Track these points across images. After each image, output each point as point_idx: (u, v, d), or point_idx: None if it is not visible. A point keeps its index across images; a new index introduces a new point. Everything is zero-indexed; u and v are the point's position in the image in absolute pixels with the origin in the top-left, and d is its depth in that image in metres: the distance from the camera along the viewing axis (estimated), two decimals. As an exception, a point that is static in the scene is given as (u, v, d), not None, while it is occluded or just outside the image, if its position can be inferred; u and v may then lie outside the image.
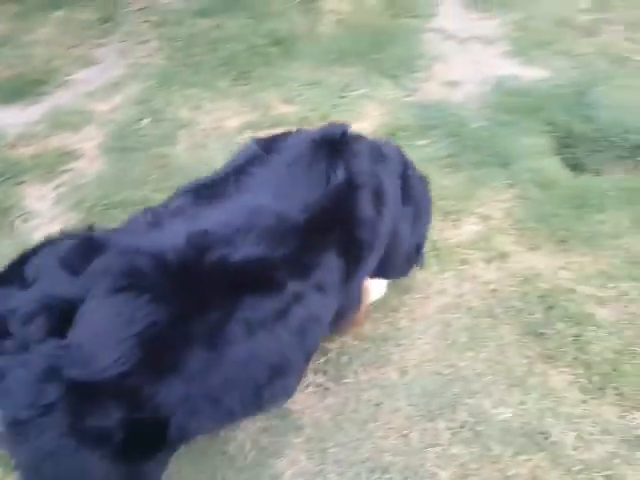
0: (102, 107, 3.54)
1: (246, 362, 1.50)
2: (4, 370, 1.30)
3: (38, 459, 1.36)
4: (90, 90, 3.67)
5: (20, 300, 1.36)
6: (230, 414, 1.60)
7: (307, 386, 2.17)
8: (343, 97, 3.54)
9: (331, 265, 1.68)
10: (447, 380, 2.18)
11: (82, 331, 1.33)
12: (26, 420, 1.29)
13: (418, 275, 2.55)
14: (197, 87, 3.63)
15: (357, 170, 1.80)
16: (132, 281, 1.38)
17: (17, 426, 1.32)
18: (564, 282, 2.50)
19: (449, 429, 2.05)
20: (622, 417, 2.07)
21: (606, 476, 1.93)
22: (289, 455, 2.01)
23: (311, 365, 2.19)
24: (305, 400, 2.13)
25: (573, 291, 2.46)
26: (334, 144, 1.83)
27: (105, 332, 1.34)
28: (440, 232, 2.71)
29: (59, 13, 4.37)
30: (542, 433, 2.02)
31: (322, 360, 2.22)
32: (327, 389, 2.17)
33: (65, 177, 3.10)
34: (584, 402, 2.11)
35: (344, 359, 2.24)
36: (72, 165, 3.16)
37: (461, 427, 2.05)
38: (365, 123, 3.29)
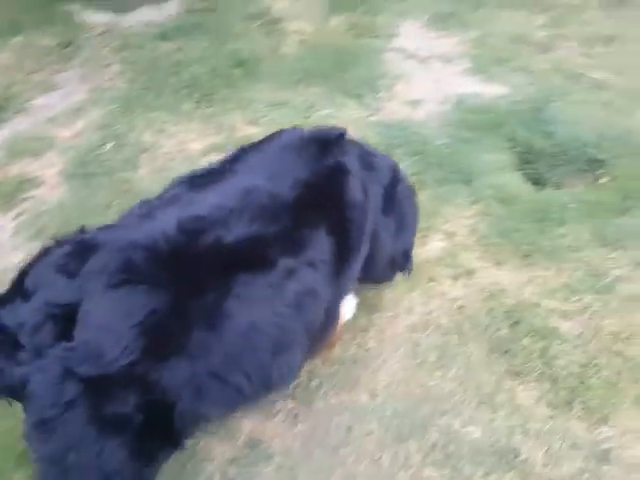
0: (63, 133, 3.47)
1: (246, 336, 1.54)
2: (26, 378, 1.40)
3: (63, 452, 1.44)
4: (51, 116, 3.60)
5: (25, 313, 1.44)
6: (238, 393, 1.61)
7: (276, 413, 2.13)
8: (308, 117, 3.54)
9: (322, 243, 1.73)
10: (417, 401, 2.17)
11: (87, 330, 1.41)
12: (51, 418, 1.39)
13: (386, 294, 2.55)
14: (160, 110, 3.59)
15: (347, 161, 1.91)
16: (127, 275, 1.44)
17: (44, 425, 1.41)
18: (529, 297, 2.52)
19: (420, 451, 2.03)
20: (589, 431, 2.08)
21: (576, 492, 1.93)
22: (259, 485, 1.97)
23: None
24: (274, 428, 2.10)
25: (538, 305, 2.47)
26: (327, 141, 1.93)
27: (108, 327, 1.41)
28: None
29: (18, 38, 4.29)
30: (512, 451, 2.02)
31: (291, 385, 2.19)
32: (297, 415, 2.14)
33: (25, 205, 3.02)
34: (552, 417, 2.11)
35: (314, 383, 2.21)
36: (33, 193, 3.09)
37: (432, 448, 2.04)
38: (330, 143, 3.28)
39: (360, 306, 2.43)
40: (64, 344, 1.40)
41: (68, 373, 1.38)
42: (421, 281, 2.60)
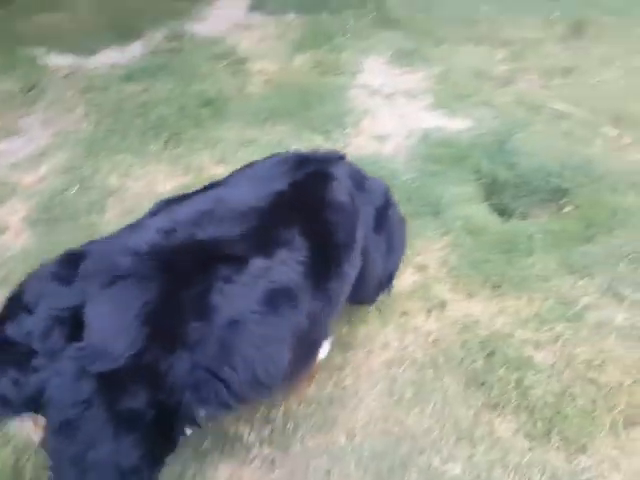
0: (27, 178, 3.44)
1: (231, 328, 1.61)
2: (42, 385, 1.46)
3: (84, 451, 1.49)
4: (14, 161, 3.57)
5: (32, 323, 1.50)
6: (227, 389, 1.64)
7: (253, 459, 2.09)
8: (276, 155, 3.57)
9: (296, 244, 1.77)
10: (396, 439, 2.16)
11: (92, 329, 1.48)
12: (74, 418, 1.45)
13: (360, 330, 2.55)
14: (126, 152, 3.59)
15: (333, 170, 2.03)
16: (116, 274, 1.54)
17: (67, 425, 1.47)
18: (501, 327, 2.55)
19: (400, 491, 2.01)
20: (568, 462, 2.09)
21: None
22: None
23: (256, 436, 2.14)
24: (251, 474, 2.06)
25: (511, 336, 2.50)
26: (320, 160, 2.08)
27: (111, 323, 1.49)
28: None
29: (-20, 83, 4.27)
30: (492, 486, 2.01)
31: (267, 430, 2.16)
32: (274, 461, 2.10)
33: (-11, 253, 2.97)
34: (530, 449, 2.12)
35: (290, 426, 2.18)
36: (-4, 240, 3.04)
37: (412, 488, 2.02)
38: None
39: (334, 344, 2.43)
40: (75, 345, 1.47)
41: (81, 372, 1.45)
42: (395, 315, 2.61)
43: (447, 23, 5.30)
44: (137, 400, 1.50)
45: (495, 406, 2.25)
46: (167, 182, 3.37)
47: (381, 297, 2.55)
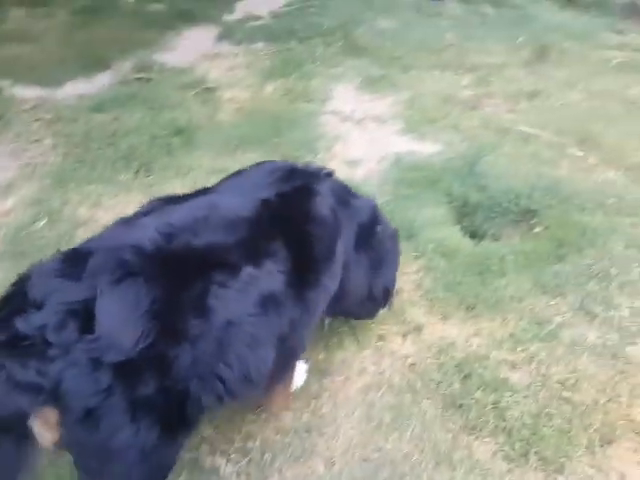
0: (-6, 211, 3.40)
1: (226, 329, 1.71)
2: (60, 376, 1.49)
3: (107, 439, 1.56)
4: (-20, 194, 3.52)
5: (44, 316, 1.51)
6: (223, 384, 1.74)
7: (230, 493, 2.07)
8: (247, 182, 3.58)
9: (280, 255, 1.88)
10: (375, 466, 2.15)
11: (104, 322, 1.53)
12: (96, 406, 1.51)
13: (337, 356, 2.55)
14: (96, 183, 3.57)
15: (317, 186, 2.13)
16: (124, 271, 1.60)
17: (90, 415, 1.51)
18: (477, 349, 2.57)
19: (381, 519, 2.00)
20: (545, 482, 2.10)
21: None
22: None
23: (233, 468, 2.12)
24: (229, 509, 2.03)
25: (487, 357, 2.53)
26: (307, 174, 2.18)
27: (122, 317, 1.56)
28: (346, 319, 2.72)
29: (-55, 116, 4.23)
30: (473, 511, 2.02)
31: (244, 462, 2.13)
32: (251, 494, 2.08)
33: (-46, 289, 2.90)
34: (509, 471, 2.13)
35: (267, 457, 2.16)
36: (-39, 275, 2.98)
37: (393, 515, 2.01)
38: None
39: (311, 371, 2.44)
40: (88, 337, 1.51)
41: (97, 363, 1.51)
42: (371, 340, 2.63)
43: (414, 50, 5.44)
44: (149, 387, 1.59)
45: (473, 428, 2.26)
46: (138, 212, 3.35)
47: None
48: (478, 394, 2.36)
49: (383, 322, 2.70)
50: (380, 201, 3.37)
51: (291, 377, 2.32)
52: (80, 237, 3.16)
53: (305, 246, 2.00)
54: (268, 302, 1.82)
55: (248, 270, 1.79)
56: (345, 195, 2.33)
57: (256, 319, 1.79)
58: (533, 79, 4.99)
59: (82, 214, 3.34)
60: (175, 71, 4.96)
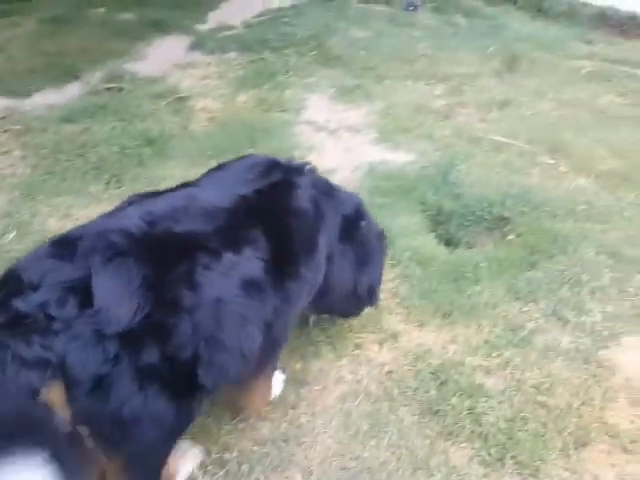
0: (-40, 225, 3.36)
1: (216, 306, 1.79)
2: (65, 348, 1.53)
3: (120, 407, 1.61)
4: (-54, 208, 3.48)
5: (43, 294, 1.56)
6: (223, 354, 1.82)
7: (207, 505, 2.07)
8: (221, 193, 3.61)
9: (259, 244, 1.96)
10: (353, 474, 2.18)
11: (101, 297, 1.59)
12: (107, 373, 1.57)
13: (314, 365, 2.58)
14: (66, 195, 3.55)
15: (294, 178, 2.20)
16: (114, 251, 1.68)
17: (101, 383, 1.57)
18: (453, 355, 2.63)
19: (359, 527, 2.03)
20: (523, 486, 2.15)
21: None
22: None
23: (210, 480, 2.12)
24: (206, 521, 2.03)
25: (462, 364, 2.58)
26: (287, 167, 2.25)
27: (117, 293, 1.63)
28: (331, 319, 2.77)
29: None
30: (450, 516, 2.05)
31: (221, 473, 2.14)
32: (229, 505, 2.09)
33: None
34: (486, 476, 2.18)
35: (244, 468, 2.17)
36: None
37: (371, 523, 2.04)
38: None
39: (288, 381, 2.46)
40: (88, 311, 1.57)
41: (100, 334, 1.57)
42: (348, 349, 2.66)
43: (387, 60, 5.54)
44: (153, 355, 1.65)
45: (450, 434, 2.31)
46: (110, 223, 3.34)
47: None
48: (454, 400, 2.41)
49: (360, 330, 2.74)
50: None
51: (273, 369, 2.33)
52: (51, 249, 3.15)
53: (285, 238, 2.07)
54: (250, 287, 1.89)
55: (229, 256, 1.86)
56: (328, 188, 2.41)
57: (242, 300, 1.86)
58: (504, 88, 5.12)
59: (52, 226, 3.31)
60: (146, 81, 4.97)
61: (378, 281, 2.69)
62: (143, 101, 4.60)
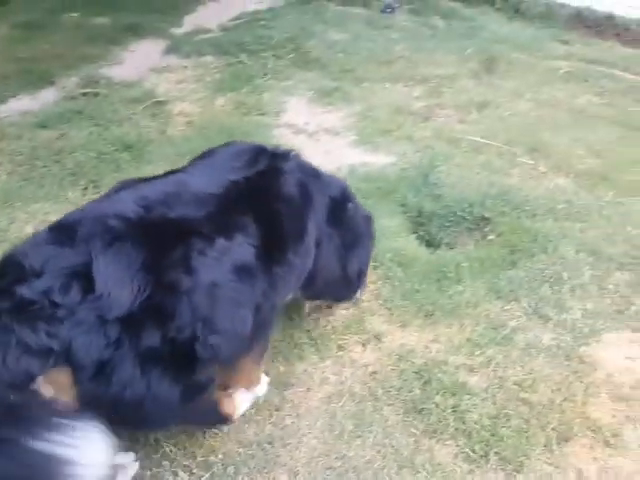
0: None
1: (211, 290, 1.86)
2: (70, 335, 1.59)
3: (122, 390, 1.67)
4: None
5: (47, 281, 1.61)
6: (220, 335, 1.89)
7: (193, 508, 2.10)
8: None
9: (250, 230, 2.02)
10: (338, 474, 2.22)
11: (102, 282, 1.65)
12: (110, 357, 1.64)
13: (298, 367, 2.62)
14: (43, 201, 3.55)
15: (281, 165, 2.27)
16: (113, 235, 1.74)
17: (103, 368, 1.63)
18: (436, 355, 2.69)
19: (345, 526, 2.07)
20: (508, 482, 2.21)
21: None
22: None
23: (195, 483, 2.15)
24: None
25: (445, 362, 2.64)
26: (272, 151, 2.32)
27: (117, 277, 1.68)
28: (314, 320, 2.83)
29: None
30: (436, 513, 2.10)
31: (207, 475, 2.17)
32: (214, 509, 2.12)
33: None
34: (471, 472, 2.23)
35: (230, 470, 2.20)
36: None
37: (357, 522, 2.08)
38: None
39: (272, 384, 2.50)
40: (90, 297, 1.63)
41: (102, 319, 1.63)
42: (331, 350, 2.70)
43: (365, 62, 5.61)
44: (154, 338, 1.72)
45: (434, 432, 2.36)
46: (88, 229, 3.35)
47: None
48: (438, 398, 2.47)
49: (343, 332, 2.79)
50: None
51: (263, 351, 2.38)
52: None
53: (274, 224, 2.15)
54: (242, 272, 1.97)
55: (221, 241, 1.93)
56: (315, 171, 2.49)
57: (235, 284, 1.93)
58: (483, 89, 5.21)
59: (29, 233, 3.30)
60: (123, 85, 4.98)
61: (366, 265, 2.80)
62: (119, 106, 4.61)
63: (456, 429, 2.36)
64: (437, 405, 2.44)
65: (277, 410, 2.44)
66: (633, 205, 3.70)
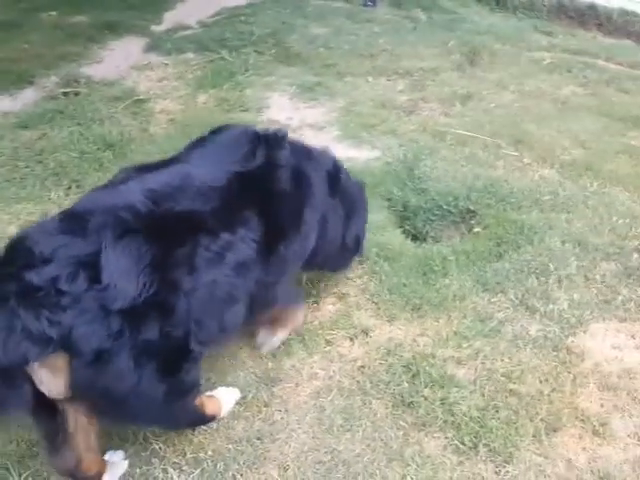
0: None
1: (209, 287, 1.98)
2: (72, 322, 1.65)
3: (113, 383, 1.75)
4: None
5: (55, 268, 1.66)
6: (208, 332, 2.02)
7: (183, 506, 2.12)
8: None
9: (252, 225, 2.13)
10: (328, 468, 2.24)
11: (110, 274, 1.71)
12: (110, 347, 1.70)
13: (286, 363, 2.64)
14: (25, 202, 3.56)
15: (278, 156, 2.33)
16: (125, 228, 1.80)
17: (100, 357, 1.69)
18: (424, 348, 2.71)
19: (335, 520, 2.10)
20: (497, 473, 2.24)
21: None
22: None
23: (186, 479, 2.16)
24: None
25: (433, 355, 2.67)
26: (266, 137, 2.37)
27: (126, 270, 1.74)
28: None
29: None
30: (426, 505, 2.13)
31: (196, 472, 2.19)
32: (204, 505, 2.13)
33: None
34: (460, 464, 2.26)
35: (220, 466, 2.22)
36: None
37: (347, 516, 2.10)
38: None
39: (261, 380, 2.53)
40: (96, 287, 1.69)
41: (105, 310, 1.68)
42: (319, 345, 2.73)
43: (347, 57, 5.63)
44: (153, 332, 1.79)
45: (423, 425, 2.39)
46: (71, 230, 3.35)
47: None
48: (426, 391, 2.50)
49: (331, 327, 2.81)
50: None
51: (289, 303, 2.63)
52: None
53: (274, 220, 2.23)
54: (241, 266, 2.07)
55: (225, 236, 2.03)
56: (307, 150, 2.60)
57: (232, 280, 2.05)
58: (466, 82, 5.25)
59: (12, 233, 3.29)
60: (103, 84, 4.98)
61: (363, 231, 2.95)
62: (100, 105, 4.60)
63: (445, 421, 2.39)
64: (426, 398, 2.47)
65: (266, 406, 2.46)
66: (618, 195, 3.76)
